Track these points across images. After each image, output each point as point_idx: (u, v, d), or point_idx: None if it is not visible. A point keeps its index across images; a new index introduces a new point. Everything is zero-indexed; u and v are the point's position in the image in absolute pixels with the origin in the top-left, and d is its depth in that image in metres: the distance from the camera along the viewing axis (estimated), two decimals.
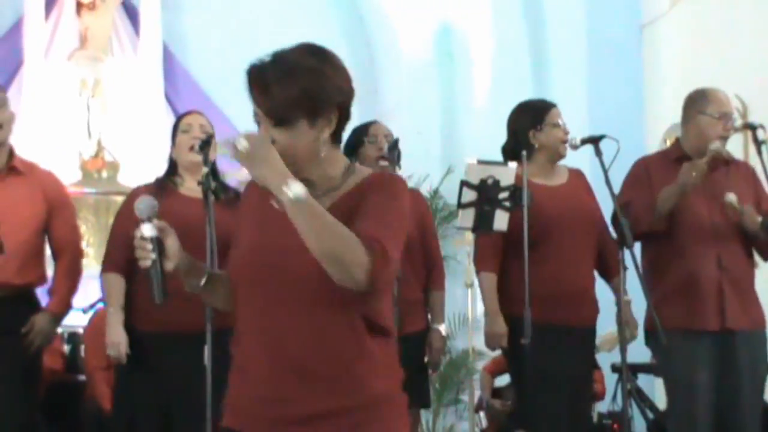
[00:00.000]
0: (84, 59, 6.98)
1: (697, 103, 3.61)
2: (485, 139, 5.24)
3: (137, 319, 3.09)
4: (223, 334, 2.53)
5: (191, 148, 3.22)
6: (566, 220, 3.48)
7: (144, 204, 1.78)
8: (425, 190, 7.28)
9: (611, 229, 3.57)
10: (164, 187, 3.25)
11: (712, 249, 3.47)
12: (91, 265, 5.69)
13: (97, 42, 7.03)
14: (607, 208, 3.55)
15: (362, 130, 3.67)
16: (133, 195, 3.24)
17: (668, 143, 6.33)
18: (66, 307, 3.39)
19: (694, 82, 3.93)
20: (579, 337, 3.45)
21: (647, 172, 3.64)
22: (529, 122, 3.57)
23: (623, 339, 3.20)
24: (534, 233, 3.35)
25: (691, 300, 3.44)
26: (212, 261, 2.75)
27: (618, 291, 3.36)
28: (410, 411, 1.98)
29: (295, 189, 1.62)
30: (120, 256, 3.14)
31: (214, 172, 3.19)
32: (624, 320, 3.26)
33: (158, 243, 1.76)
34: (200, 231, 2.82)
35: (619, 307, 3.26)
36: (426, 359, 3.68)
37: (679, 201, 3.45)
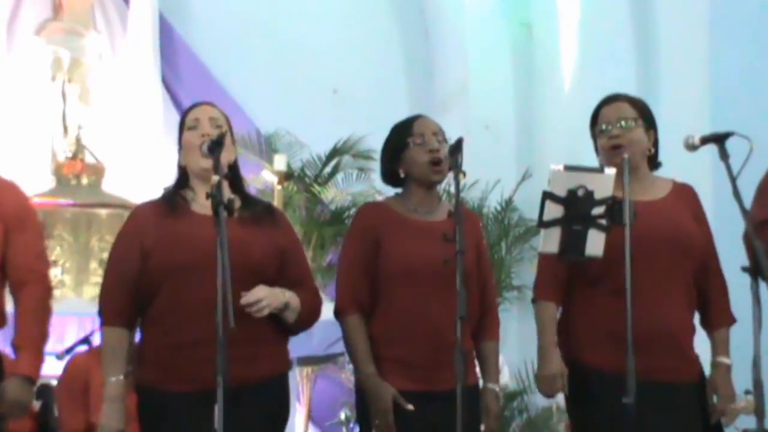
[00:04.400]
0: (58, 33, 7.02)
1: None
2: (573, 135, 5.24)
3: (148, 375, 3.11)
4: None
5: (200, 148, 3.21)
6: (649, 244, 3.48)
7: None
8: (495, 201, 7.38)
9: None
10: (174, 204, 3.21)
11: None
12: (67, 297, 5.77)
13: (75, 12, 7.08)
14: (736, 228, 3.53)
15: (404, 129, 3.67)
16: (136, 216, 3.21)
17: None
18: (39, 362, 3.31)
19: None
20: (655, 394, 3.46)
21: None
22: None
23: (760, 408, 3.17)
24: (602, 259, 3.36)
25: None
26: (224, 293, 2.77)
27: (719, 348, 3.41)
28: None
29: None
30: (123, 302, 3.08)
31: (233, 181, 3.21)
32: (713, 387, 3.34)
33: None
34: (215, 256, 2.85)
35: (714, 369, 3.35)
36: (482, 427, 3.70)
37: None
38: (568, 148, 6.66)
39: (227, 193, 2.97)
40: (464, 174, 3.61)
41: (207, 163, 3.11)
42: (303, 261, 3.36)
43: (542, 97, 7.42)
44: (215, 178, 2.91)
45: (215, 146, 3.04)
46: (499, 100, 7.40)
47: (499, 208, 7.37)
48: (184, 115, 3.40)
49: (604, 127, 3.66)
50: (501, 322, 3.83)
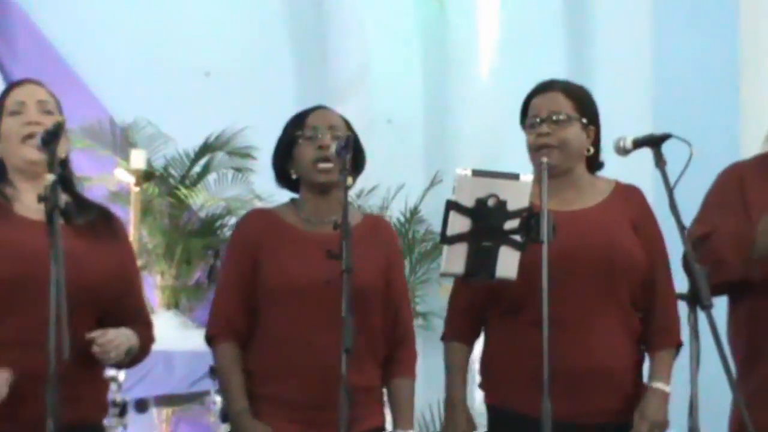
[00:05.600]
0: None
1: None
2: (492, 133, 5.32)
3: None
4: None
5: (26, 139, 3.14)
6: (575, 263, 3.53)
7: None
8: (397, 210, 7.39)
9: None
10: None
11: None
12: None
13: None
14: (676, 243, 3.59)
15: (296, 121, 3.67)
16: None
17: None
18: None
19: None
20: None
21: (740, 188, 3.70)
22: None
23: None
24: (522, 283, 3.40)
25: None
26: (58, 314, 2.73)
27: (656, 372, 3.47)
28: None
29: None
30: None
31: (64, 181, 3.11)
32: (641, 414, 3.40)
33: None
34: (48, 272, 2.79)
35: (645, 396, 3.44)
36: None
37: None
38: (486, 149, 6.75)
39: (63, 195, 2.93)
40: (353, 177, 3.63)
41: (35, 155, 3.07)
42: (140, 285, 3.39)
43: (456, 87, 7.46)
44: (49, 177, 2.84)
45: (51, 138, 2.99)
46: (405, 89, 7.43)
47: (402, 218, 7.38)
48: (2, 95, 3.32)
49: (532, 120, 3.71)
50: None
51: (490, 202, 3.34)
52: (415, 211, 7.28)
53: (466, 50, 7.49)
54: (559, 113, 3.63)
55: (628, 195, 3.74)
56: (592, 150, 3.72)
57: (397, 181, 7.18)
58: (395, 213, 7.40)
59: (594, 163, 3.74)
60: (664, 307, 3.54)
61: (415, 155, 7.39)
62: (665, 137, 3.39)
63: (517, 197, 3.36)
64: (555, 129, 3.62)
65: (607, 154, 3.76)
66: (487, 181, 3.35)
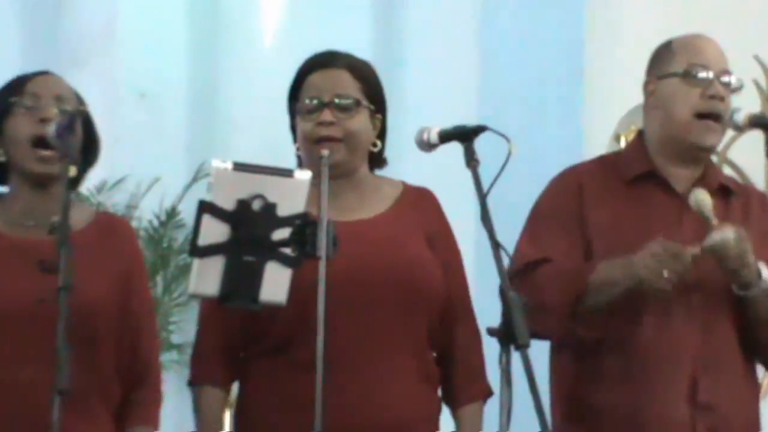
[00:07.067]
0: None
1: (657, 62, 4.11)
2: (270, 116, 5.30)
3: None
4: None
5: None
6: (358, 287, 3.57)
7: None
8: (149, 210, 7.33)
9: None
10: None
11: (684, 368, 3.80)
12: None
13: None
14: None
15: (13, 87, 3.65)
16: None
17: (624, 142, 6.58)
18: None
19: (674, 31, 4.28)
20: None
21: (578, 201, 3.85)
22: None
23: None
24: (292, 311, 3.42)
25: None
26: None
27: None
28: None
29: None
30: None
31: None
32: None
33: None
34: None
35: None
36: None
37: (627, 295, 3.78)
38: (266, 135, 6.72)
39: None
40: (79, 167, 3.60)
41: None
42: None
43: (230, 54, 7.39)
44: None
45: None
46: (164, 55, 7.30)
47: (156, 221, 7.29)
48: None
49: (309, 104, 3.71)
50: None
51: (256, 205, 3.36)
52: (172, 213, 7.18)
53: (244, 7, 7.45)
54: (347, 97, 3.66)
55: (419, 201, 3.81)
56: (379, 144, 3.77)
57: (150, 172, 7.07)
58: (147, 213, 7.31)
59: (378, 160, 3.79)
60: (466, 346, 3.62)
61: (175, 141, 7.28)
62: (479, 129, 3.45)
63: (291, 199, 3.39)
64: (341, 117, 3.65)
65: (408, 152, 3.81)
66: (252, 178, 3.37)
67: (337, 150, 3.60)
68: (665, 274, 3.66)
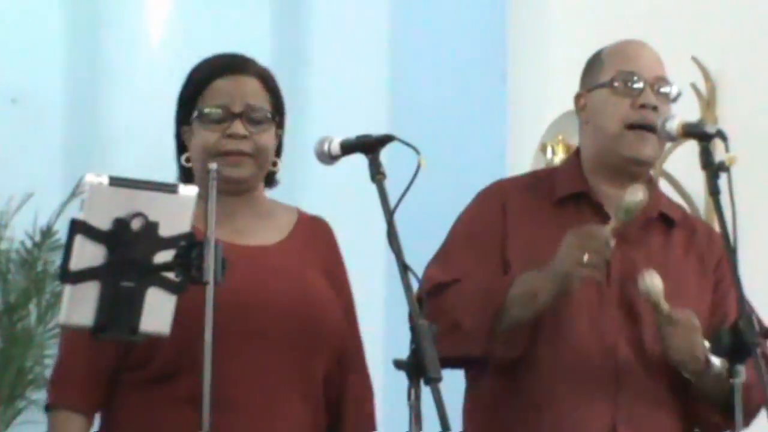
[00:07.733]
0: None
1: (587, 73, 4.19)
2: (158, 124, 5.29)
3: None
4: None
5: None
6: (252, 318, 3.58)
7: None
8: (21, 230, 7.29)
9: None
10: None
11: (605, 403, 3.87)
12: None
13: None
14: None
15: None
16: None
17: (555, 156, 6.65)
18: None
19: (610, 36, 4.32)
20: None
21: (501, 221, 3.94)
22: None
23: None
24: (176, 341, 3.42)
25: None
26: None
27: None
28: None
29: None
30: None
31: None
32: None
33: None
34: None
35: None
36: None
37: (551, 305, 3.78)
38: (153, 146, 6.69)
39: None
40: None
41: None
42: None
43: (112, 54, 7.39)
44: None
45: None
46: (37, 54, 7.30)
47: (29, 242, 7.29)
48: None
49: (216, 114, 3.72)
50: None
51: (135, 224, 3.34)
52: (47, 233, 7.17)
53: (125, 6, 7.46)
54: (260, 110, 3.70)
55: (315, 232, 3.87)
56: (278, 162, 3.80)
57: (23, 187, 7.05)
58: (18, 233, 7.30)
59: (271, 179, 3.82)
60: (361, 397, 3.72)
61: (50, 151, 7.25)
62: (385, 140, 3.46)
63: (175, 218, 3.37)
64: (252, 131, 3.68)
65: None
66: (131, 194, 3.34)
67: (245, 166, 3.63)
68: (585, 258, 3.67)
